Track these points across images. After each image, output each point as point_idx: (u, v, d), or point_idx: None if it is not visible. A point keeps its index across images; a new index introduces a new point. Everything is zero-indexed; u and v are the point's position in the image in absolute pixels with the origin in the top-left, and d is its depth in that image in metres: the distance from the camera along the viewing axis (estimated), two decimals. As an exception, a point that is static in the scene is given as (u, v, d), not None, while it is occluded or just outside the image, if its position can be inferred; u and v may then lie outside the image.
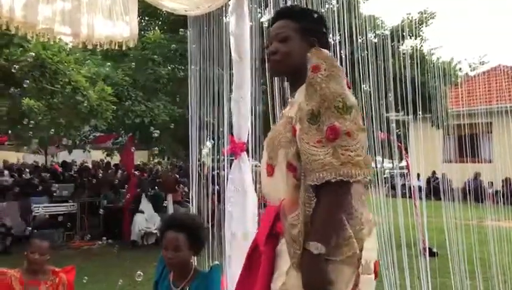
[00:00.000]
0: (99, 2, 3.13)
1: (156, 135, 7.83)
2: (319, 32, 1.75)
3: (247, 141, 3.62)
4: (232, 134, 3.60)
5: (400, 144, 5.38)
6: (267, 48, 1.80)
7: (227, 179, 3.64)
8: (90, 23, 3.14)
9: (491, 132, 10.83)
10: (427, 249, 4.13)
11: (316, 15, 1.77)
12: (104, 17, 3.18)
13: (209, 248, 3.38)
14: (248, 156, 3.63)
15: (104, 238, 9.58)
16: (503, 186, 9.27)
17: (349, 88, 1.57)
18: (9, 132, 6.79)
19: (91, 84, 6.02)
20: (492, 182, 11.87)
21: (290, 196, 1.60)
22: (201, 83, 4.04)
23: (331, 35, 4.03)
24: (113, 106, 6.23)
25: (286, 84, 1.92)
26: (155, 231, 9.62)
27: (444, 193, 4.10)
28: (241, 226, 3.49)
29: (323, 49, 1.66)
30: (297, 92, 1.66)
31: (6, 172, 12.49)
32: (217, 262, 3.09)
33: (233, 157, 3.65)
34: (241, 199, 3.54)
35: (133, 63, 8.31)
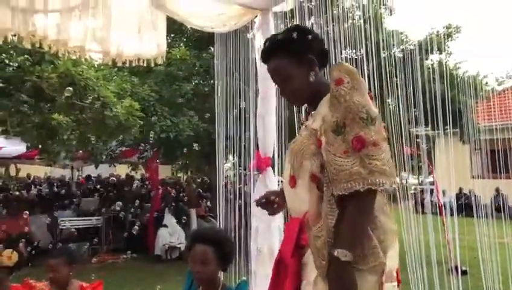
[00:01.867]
0: (129, 20, 3.20)
1: (182, 150, 7.91)
2: (309, 45, 1.74)
3: (273, 155, 3.63)
4: (257, 149, 3.61)
5: (428, 162, 5.29)
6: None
7: (252, 194, 3.64)
8: (120, 41, 3.21)
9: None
10: (458, 268, 4.03)
11: (295, 33, 1.72)
12: (133, 34, 3.24)
13: (235, 264, 3.37)
14: (273, 171, 3.63)
15: (129, 252, 9.68)
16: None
17: (372, 99, 1.58)
18: (40, 146, 6.95)
19: (118, 99, 6.15)
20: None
21: (313, 208, 1.62)
22: (227, 97, 4.08)
23: (355, 51, 4.02)
24: (140, 121, 6.34)
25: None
26: (179, 245, 9.66)
27: (475, 209, 4.01)
28: (266, 242, 3.48)
29: (343, 63, 1.66)
30: (319, 104, 1.67)
31: (33, 186, 12.77)
32: (244, 278, 3.08)
33: (257, 173, 3.66)
34: (266, 214, 3.53)
35: (158, 79, 8.44)
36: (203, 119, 8.70)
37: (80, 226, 10.09)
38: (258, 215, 3.61)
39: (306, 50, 1.72)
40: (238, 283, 2.61)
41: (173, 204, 10.40)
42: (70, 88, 5.08)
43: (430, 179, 9.70)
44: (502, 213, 4.50)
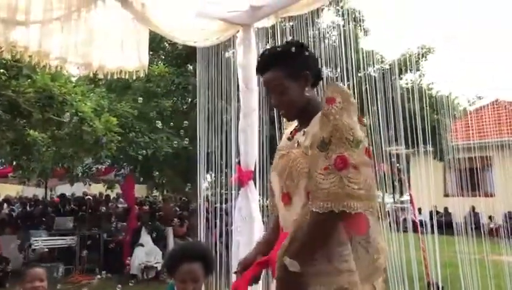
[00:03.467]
0: (111, 33, 3.20)
1: (160, 168, 7.81)
2: (305, 61, 1.77)
3: (254, 169, 3.64)
4: (239, 163, 3.62)
5: (403, 177, 5.38)
6: (267, 96, 1.87)
7: (234, 208, 3.64)
8: (102, 54, 3.21)
9: (491, 165, 10.87)
10: (437, 284, 4.08)
11: (293, 48, 1.76)
12: (116, 47, 3.24)
13: (217, 279, 3.34)
14: (255, 184, 3.64)
15: (104, 272, 9.47)
16: (505, 220, 9.19)
17: (361, 123, 1.61)
18: (14, 163, 6.78)
19: (96, 115, 6.08)
20: (491, 216, 11.81)
21: (302, 220, 1.62)
22: (209, 114, 4.09)
23: (330, 70, 4.09)
24: (118, 137, 6.27)
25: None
26: (155, 265, 9.50)
27: (454, 225, 4.08)
28: (248, 255, 3.46)
29: (338, 84, 1.73)
30: (312, 122, 1.68)
31: (5, 205, 12.42)
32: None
33: (234, 191, 3.66)
34: (248, 227, 3.53)
35: (137, 95, 8.42)
36: (182, 137, 8.68)
37: (54, 246, 9.82)
38: (239, 230, 3.61)
39: (302, 65, 1.75)
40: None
41: (150, 223, 10.26)
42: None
43: (406, 197, 9.85)
44: (477, 230, 4.60)
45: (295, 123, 1.86)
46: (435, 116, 7.79)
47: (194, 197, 11.72)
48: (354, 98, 1.64)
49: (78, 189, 15.33)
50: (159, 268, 9.54)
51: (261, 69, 1.81)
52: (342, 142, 1.49)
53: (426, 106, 5.81)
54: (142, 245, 9.61)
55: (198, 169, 3.91)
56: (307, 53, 1.78)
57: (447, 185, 12.47)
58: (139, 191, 13.86)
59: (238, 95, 3.66)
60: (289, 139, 1.80)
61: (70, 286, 8.53)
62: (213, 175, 4.07)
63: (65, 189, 14.21)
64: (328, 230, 1.52)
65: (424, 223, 5.77)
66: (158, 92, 8.47)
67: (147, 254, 9.57)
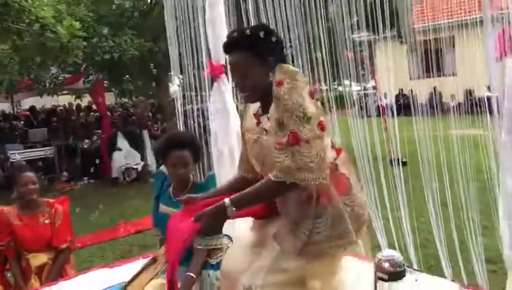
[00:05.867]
0: None
1: (128, 72, 7.73)
2: (272, 47, 1.80)
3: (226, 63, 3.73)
4: (210, 58, 3.69)
5: (370, 65, 5.55)
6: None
7: (209, 102, 3.80)
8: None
9: (453, 46, 11.11)
10: (399, 160, 4.45)
11: (262, 33, 1.78)
12: None
13: (198, 166, 3.59)
14: (227, 78, 3.75)
15: (85, 178, 9.77)
16: (465, 97, 9.65)
17: (313, 97, 1.71)
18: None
19: (57, 21, 5.88)
20: (452, 95, 12.33)
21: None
22: (175, 11, 4.03)
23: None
24: (83, 42, 6.14)
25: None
26: (135, 167, 9.84)
27: (413, 108, 4.35)
28: (227, 144, 3.70)
29: (284, 64, 1.76)
30: (271, 108, 1.75)
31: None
32: (212, 172, 3.31)
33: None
34: (224, 118, 3.71)
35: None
36: (146, 38, 8.52)
37: (31, 158, 9.94)
38: (216, 122, 3.79)
39: (268, 51, 1.78)
40: (206, 177, 2.84)
41: (124, 128, 10.40)
42: None
43: (372, 83, 10.15)
44: (437, 110, 4.88)
45: (257, 103, 1.91)
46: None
47: (164, 99, 11.79)
48: (302, 75, 1.74)
49: (46, 102, 15.10)
50: (139, 169, 9.90)
51: (227, 48, 1.84)
52: (292, 120, 1.62)
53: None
54: (119, 149, 9.84)
55: (172, 69, 3.95)
56: (274, 39, 1.81)
57: (410, 69, 12.78)
58: (108, 99, 13.77)
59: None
60: (257, 124, 1.86)
61: (56, 193, 8.82)
62: (182, 77, 4.09)
63: (32, 102, 13.98)
64: (274, 195, 1.74)
65: (388, 107, 6.04)
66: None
67: (125, 157, 9.84)
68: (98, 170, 10.13)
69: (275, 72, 1.72)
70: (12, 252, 3.50)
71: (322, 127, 1.66)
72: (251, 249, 1.89)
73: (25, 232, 3.49)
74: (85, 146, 10.63)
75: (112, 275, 3.40)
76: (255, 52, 1.75)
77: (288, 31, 3.60)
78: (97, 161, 10.18)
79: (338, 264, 1.78)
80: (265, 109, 1.81)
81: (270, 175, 1.65)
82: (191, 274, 2.32)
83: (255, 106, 1.91)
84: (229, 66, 1.90)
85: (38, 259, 3.53)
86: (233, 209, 1.67)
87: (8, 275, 3.62)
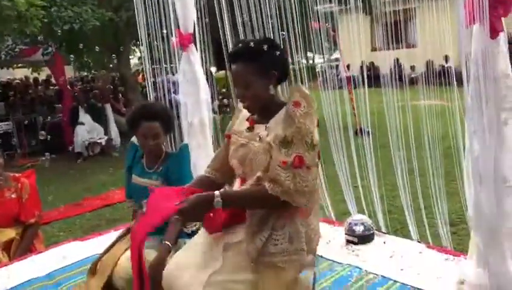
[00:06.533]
0: None
1: (88, 44, 7.48)
2: (276, 61, 1.85)
3: (194, 32, 3.68)
4: (178, 27, 3.63)
5: (333, 32, 5.60)
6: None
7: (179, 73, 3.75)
8: None
9: (414, 17, 11.27)
10: (363, 130, 4.54)
11: (266, 46, 1.83)
12: None
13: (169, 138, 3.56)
14: (196, 47, 3.71)
15: (47, 153, 9.50)
16: (425, 67, 9.83)
17: (317, 126, 1.78)
18: None
19: (13, -11, 5.59)
20: (413, 66, 12.59)
21: None
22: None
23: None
24: (42, 11, 5.86)
25: None
26: (99, 141, 9.66)
27: (377, 79, 4.41)
28: (197, 115, 3.68)
29: (301, 86, 1.83)
30: (274, 120, 1.80)
31: None
32: (185, 142, 3.30)
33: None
34: (193, 88, 3.68)
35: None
36: (107, 9, 8.24)
37: (-12, 133, 9.58)
38: (185, 92, 3.76)
39: (271, 65, 1.82)
40: (179, 147, 2.83)
41: (85, 102, 10.13)
42: None
43: (336, 55, 10.23)
44: (400, 81, 4.97)
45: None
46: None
47: (126, 72, 11.53)
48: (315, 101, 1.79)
49: (0, 75, 14.49)
50: (103, 143, 9.72)
51: (232, 58, 1.89)
52: (302, 143, 1.69)
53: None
54: (82, 124, 9.62)
55: (141, 39, 3.85)
56: (278, 53, 1.85)
57: (374, 40, 12.93)
58: (67, 72, 13.36)
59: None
60: (249, 129, 1.89)
61: (17, 169, 8.57)
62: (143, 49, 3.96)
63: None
64: (264, 205, 1.76)
65: (354, 78, 6.11)
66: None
67: (88, 131, 9.63)
68: (60, 144, 9.87)
69: (293, 92, 1.78)
70: (-22, 227, 3.42)
71: (319, 156, 1.78)
72: (205, 249, 1.87)
73: (-10, 208, 3.42)
74: (46, 120, 10.32)
75: (84, 248, 3.39)
76: (257, 65, 1.81)
77: (260, 3, 3.56)
78: (58, 136, 9.91)
79: (291, 281, 1.79)
80: (263, 118, 1.86)
81: (266, 186, 1.70)
82: (167, 243, 2.33)
83: (245, 114, 1.96)
84: (232, 76, 1.95)
85: (6, 234, 3.47)
86: (220, 201, 1.70)
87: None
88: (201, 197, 1.73)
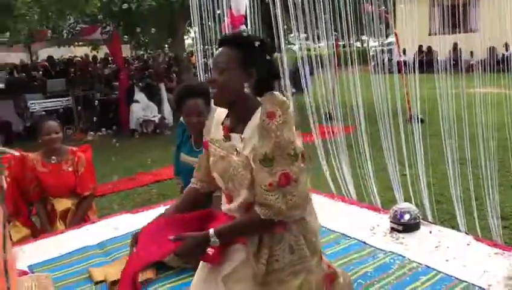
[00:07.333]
0: None
1: (144, 24, 7.59)
2: (261, 62, 1.71)
3: (246, 15, 3.70)
4: (230, 8, 3.66)
5: (387, 15, 5.43)
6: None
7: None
8: None
9: (475, 1, 10.73)
10: (417, 117, 4.42)
11: (258, 43, 1.70)
12: None
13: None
14: (247, 28, 3.72)
15: (103, 129, 9.89)
16: (488, 55, 9.38)
17: (296, 128, 1.65)
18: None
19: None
20: (472, 52, 11.99)
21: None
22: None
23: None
24: (100, -9, 6.05)
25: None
26: (153, 119, 9.94)
27: (435, 64, 4.25)
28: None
29: (275, 93, 1.67)
30: (247, 128, 1.67)
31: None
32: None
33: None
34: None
35: None
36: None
37: (50, 108, 10.06)
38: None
39: (255, 62, 1.68)
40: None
41: (141, 81, 10.44)
42: None
43: (391, 39, 9.93)
44: (457, 67, 4.76)
45: (224, 111, 1.81)
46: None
47: (180, 52, 11.73)
48: (289, 104, 1.65)
49: (62, 53, 15.12)
50: (157, 122, 10.00)
51: (220, 42, 1.78)
52: (284, 158, 1.57)
53: None
54: (137, 102, 9.91)
55: (193, 19, 3.91)
56: (268, 57, 1.72)
57: (431, 24, 12.46)
58: (124, 51, 13.76)
59: None
60: (225, 138, 1.76)
61: (75, 143, 8.99)
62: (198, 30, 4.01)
63: (49, 53, 14.00)
64: (261, 230, 1.67)
65: (408, 63, 5.94)
66: None
67: (143, 109, 9.92)
68: (115, 121, 10.24)
69: (265, 101, 1.64)
70: (38, 196, 3.63)
71: (304, 158, 1.65)
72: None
73: (49, 179, 3.61)
74: (103, 97, 10.71)
75: (134, 220, 3.52)
76: (242, 55, 1.68)
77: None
78: (114, 113, 10.28)
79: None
80: (236, 124, 1.74)
81: (257, 212, 1.61)
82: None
83: (220, 113, 1.84)
84: (212, 59, 1.80)
85: (63, 204, 3.66)
86: (217, 241, 1.65)
87: (33, 219, 3.77)
88: (198, 239, 1.66)
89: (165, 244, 1.68)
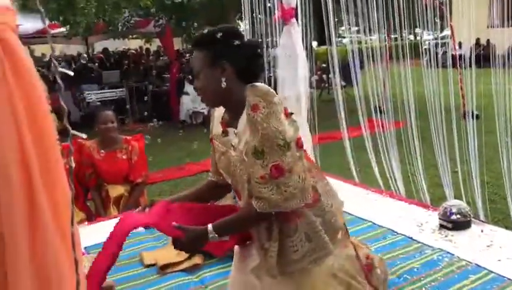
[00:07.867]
0: None
1: (196, 17, 7.66)
2: (230, 51, 1.64)
3: (296, 7, 3.70)
4: (281, 1, 3.68)
5: (442, 7, 5.27)
6: None
7: (278, 46, 3.80)
8: None
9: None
10: (473, 112, 4.28)
11: (220, 34, 1.64)
12: None
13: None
14: (297, 22, 3.73)
15: (155, 120, 10.18)
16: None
17: (288, 117, 1.59)
18: (60, 18, 6.94)
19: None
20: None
21: None
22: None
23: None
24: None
25: None
26: (202, 110, 10.12)
27: (490, 58, 4.09)
28: (293, 90, 3.73)
29: (256, 84, 1.61)
30: (240, 122, 1.65)
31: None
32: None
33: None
34: (292, 63, 3.73)
35: None
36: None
37: (105, 98, 10.45)
38: (283, 67, 3.81)
39: (222, 55, 1.63)
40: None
41: (190, 74, 10.62)
42: None
43: (446, 32, 9.59)
44: None
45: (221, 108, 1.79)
46: None
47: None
48: (275, 94, 1.58)
49: (117, 45, 15.63)
50: (206, 113, 10.17)
51: (191, 46, 1.81)
52: (274, 150, 1.52)
53: None
54: (187, 94, 10.11)
55: (244, 12, 3.96)
56: (236, 42, 1.65)
57: (490, 16, 11.94)
58: (175, 44, 14.05)
59: None
60: (224, 133, 1.75)
61: (128, 133, 9.28)
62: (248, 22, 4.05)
63: (104, 45, 14.54)
64: (259, 222, 1.67)
65: (463, 57, 5.76)
66: None
67: (192, 101, 10.10)
68: (167, 112, 10.51)
69: (248, 93, 1.58)
70: (94, 182, 3.81)
71: (300, 145, 1.60)
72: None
73: (104, 166, 3.77)
74: (155, 89, 11.00)
75: (183, 208, 3.62)
76: (207, 53, 1.64)
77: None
78: (165, 104, 10.54)
79: (326, 275, 1.70)
80: (232, 119, 1.71)
81: (254, 204, 1.59)
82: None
83: (220, 110, 1.81)
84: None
85: (116, 190, 3.82)
86: (216, 235, 1.65)
87: (88, 204, 3.95)
88: (197, 234, 1.66)
89: (169, 230, 1.69)
